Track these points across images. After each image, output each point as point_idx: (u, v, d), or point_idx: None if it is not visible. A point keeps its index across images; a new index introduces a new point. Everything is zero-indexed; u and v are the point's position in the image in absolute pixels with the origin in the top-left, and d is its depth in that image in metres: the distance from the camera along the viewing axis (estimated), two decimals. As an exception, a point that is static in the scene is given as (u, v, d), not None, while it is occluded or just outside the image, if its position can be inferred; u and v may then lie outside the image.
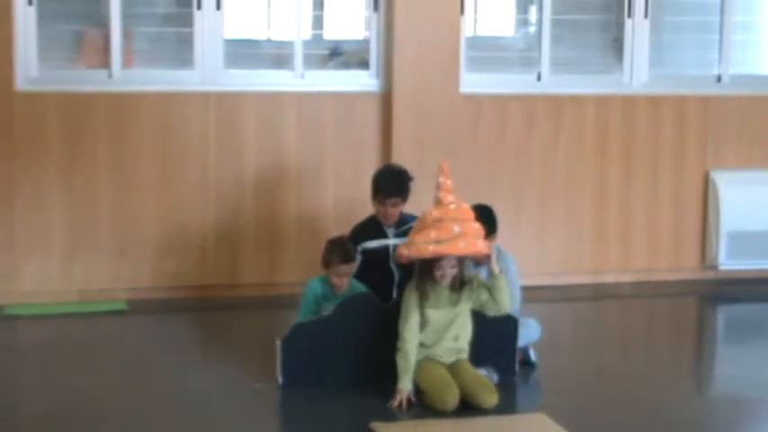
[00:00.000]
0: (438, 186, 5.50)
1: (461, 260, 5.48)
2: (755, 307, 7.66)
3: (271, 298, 7.19)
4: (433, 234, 5.42)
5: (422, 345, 5.53)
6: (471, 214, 5.53)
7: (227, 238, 7.31)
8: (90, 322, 6.82)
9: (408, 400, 5.38)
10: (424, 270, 5.49)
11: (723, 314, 7.74)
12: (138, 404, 5.45)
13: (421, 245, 5.44)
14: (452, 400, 5.30)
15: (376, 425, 5.11)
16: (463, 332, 5.58)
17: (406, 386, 5.41)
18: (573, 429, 5.10)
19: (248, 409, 5.42)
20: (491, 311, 5.58)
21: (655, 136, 7.88)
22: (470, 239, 5.43)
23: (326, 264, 5.80)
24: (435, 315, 5.53)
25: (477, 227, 5.51)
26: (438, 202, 5.49)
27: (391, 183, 6.17)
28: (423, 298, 5.51)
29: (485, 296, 5.55)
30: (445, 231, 5.40)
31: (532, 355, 5.97)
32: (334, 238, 5.94)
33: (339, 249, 5.80)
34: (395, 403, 5.34)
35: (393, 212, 6.16)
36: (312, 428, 5.21)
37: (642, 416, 5.41)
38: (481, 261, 5.61)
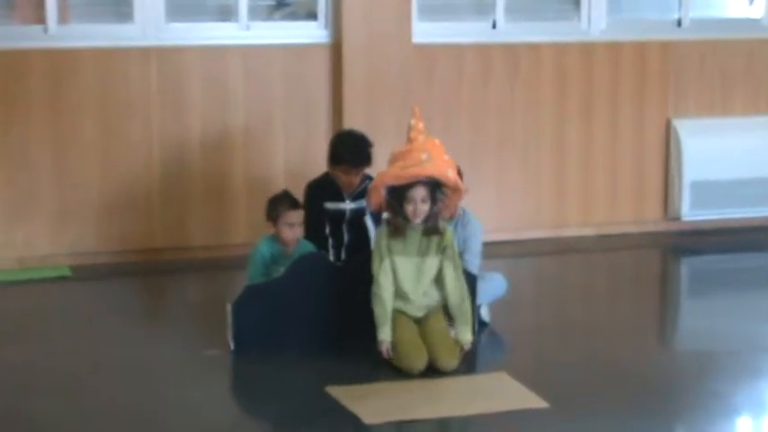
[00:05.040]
0: (409, 128, 5.52)
1: (434, 196, 5.44)
2: (719, 258, 7.73)
3: (220, 260, 7.17)
4: (399, 163, 5.43)
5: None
6: (442, 149, 5.51)
7: (173, 199, 7.27)
8: (32, 290, 6.77)
9: (388, 351, 5.40)
10: (395, 206, 5.45)
11: (686, 266, 7.81)
12: (82, 373, 5.43)
13: (386, 173, 5.45)
14: (419, 365, 5.34)
15: (332, 389, 5.13)
16: (431, 288, 5.55)
17: (386, 337, 5.41)
18: (535, 388, 5.13)
19: (199, 376, 5.41)
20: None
21: (614, 84, 7.89)
22: (439, 164, 5.41)
23: (275, 217, 5.75)
24: (403, 264, 5.49)
25: (447, 159, 5.50)
26: (408, 141, 5.51)
27: (358, 153, 6.16)
28: (393, 239, 5.46)
29: (444, 268, 5.52)
30: (411, 159, 5.42)
31: (484, 314, 5.98)
32: (275, 194, 5.90)
33: (284, 199, 5.79)
34: (383, 353, 5.38)
35: (356, 180, 6.19)
36: (266, 395, 5.21)
37: (605, 373, 5.45)
38: (452, 201, 5.57)
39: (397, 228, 5.47)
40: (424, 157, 5.41)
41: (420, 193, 5.41)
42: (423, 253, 5.52)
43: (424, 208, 5.43)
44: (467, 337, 5.48)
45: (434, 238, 5.51)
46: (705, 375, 5.43)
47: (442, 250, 5.52)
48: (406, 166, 5.41)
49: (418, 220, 5.45)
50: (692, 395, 5.19)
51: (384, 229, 5.54)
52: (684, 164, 7.88)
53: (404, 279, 5.51)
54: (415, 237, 5.50)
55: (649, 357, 5.76)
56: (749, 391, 5.28)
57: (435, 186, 5.44)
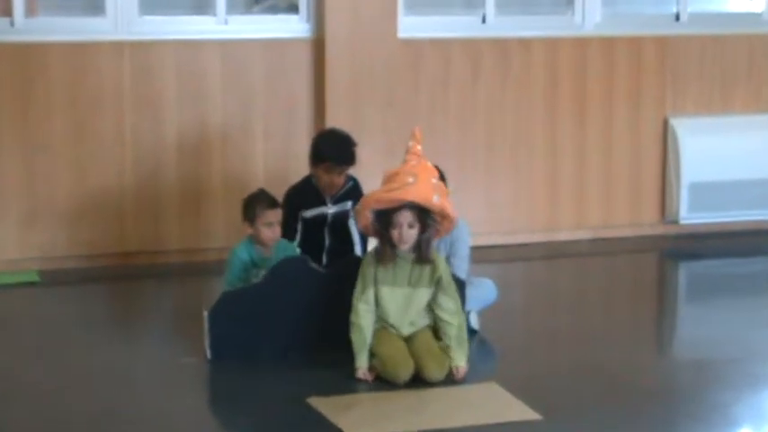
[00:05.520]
0: (406, 150, 5.49)
1: (423, 221, 5.40)
2: (719, 263, 7.74)
3: (196, 265, 7.16)
4: (385, 186, 5.43)
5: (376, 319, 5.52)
6: (434, 172, 5.50)
7: (147, 201, 7.26)
8: (-2, 296, 6.77)
9: (368, 374, 5.39)
10: (382, 232, 5.42)
11: (684, 271, 7.82)
12: (54, 383, 5.41)
13: (370, 195, 5.45)
14: (404, 375, 5.33)
15: (313, 399, 5.12)
16: (418, 317, 5.52)
17: (362, 364, 5.40)
18: (526, 399, 5.12)
19: (174, 385, 5.40)
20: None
21: (609, 81, 7.90)
22: (423, 188, 5.37)
23: (251, 217, 5.73)
24: (390, 295, 5.46)
25: (437, 183, 5.47)
26: (402, 164, 5.50)
27: (341, 151, 6.15)
28: (381, 266, 5.43)
29: (444, 303, 5.49)
30: (398, 181, 5.39)
31: (473, 321, 5.97)
32: (251, 193, 5.89)
33: (261, 197, 5.78)
34: (361, 378, 5.39)
35: (339, 181, 6.18)
36: (244, 405, 5.19)
37: (600, 382, 5.45)
38: (443, 228, 5.53)
39: (384, 255, 5.44)
40: (410, 180, 5.37)
41: (406, 217, 5.37)
42: (414, 284, 5.48)
43: (412, 233, 5.39)
44: (461, 362, 5.45)
45: (426, 268, 5.47)
46: (704, 384, 5.44)
47: (435, 282, 5.48)
48: (391, 189, 5.38)
49: (405, 247, 5.42)
50: (691, 405, 5.18)
51: (372, 256, 5.52)
52: (682, 164, 7.89)
53: (389, 310, 5.48)
54: (405, 266, 5.47)
55: (646, 366, 5.75)
56: (749, 401, 5.28)
57: (424, 211, 5.40)
